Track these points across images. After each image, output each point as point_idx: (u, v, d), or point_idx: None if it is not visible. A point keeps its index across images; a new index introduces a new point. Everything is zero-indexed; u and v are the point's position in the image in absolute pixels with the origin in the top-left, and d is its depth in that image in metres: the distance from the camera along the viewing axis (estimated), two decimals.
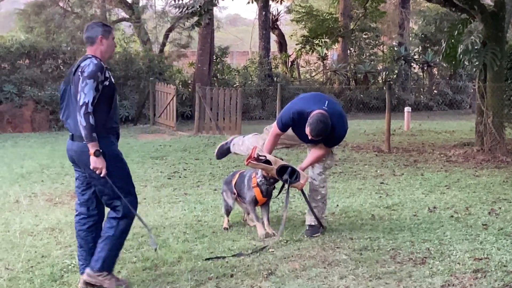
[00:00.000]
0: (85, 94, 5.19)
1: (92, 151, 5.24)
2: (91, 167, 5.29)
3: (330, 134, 6.77)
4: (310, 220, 7.22)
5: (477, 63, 13.16)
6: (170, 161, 13.28)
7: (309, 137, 6.73)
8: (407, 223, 7.55)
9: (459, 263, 5.98)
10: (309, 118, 6.67)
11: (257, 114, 25.54)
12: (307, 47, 29.49)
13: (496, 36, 13.30)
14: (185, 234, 7.22)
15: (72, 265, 6.17)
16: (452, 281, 5.52)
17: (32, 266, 6.19)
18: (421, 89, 31.25)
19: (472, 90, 29.86)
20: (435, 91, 31.07)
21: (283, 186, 7.23)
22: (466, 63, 13.35)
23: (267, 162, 6.90)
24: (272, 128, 7.21)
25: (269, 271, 5.85)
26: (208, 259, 6.24)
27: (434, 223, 7.57)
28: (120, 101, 22.01)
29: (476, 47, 13.08)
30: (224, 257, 6.28)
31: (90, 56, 5.45)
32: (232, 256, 6.33)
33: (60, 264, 6.19)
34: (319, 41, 29.15)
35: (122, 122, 21.93)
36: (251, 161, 6.90)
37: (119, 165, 5.49)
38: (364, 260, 6.11)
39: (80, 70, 5.33)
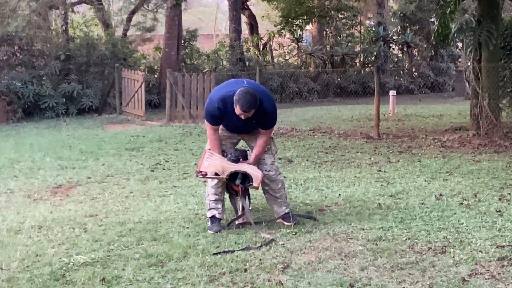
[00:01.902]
0: None
1: None
2: None
3: (261, 111, 7.03)
4: (283, 210, 7.45)
5: (471, 42, 13.35)
6: (148, 152, 13.31)
7: (243, 116, 6.94)
8: (417, 212, 7.69)
9: (481, 251, 6.13)
10: (234, 97, 6.90)
11: None
12: (287, 28, 29.58)
13: (491, 14, 13.49)
14: (185, 229, 7.27)
15: (72, 263, 6.19)
16: (479, 270, 5.66)
17: (28, 266, 6.19)
18: (401, 72, 31.54)
19: (454, 72, 30.25)
20: (415, 74, 31.38)
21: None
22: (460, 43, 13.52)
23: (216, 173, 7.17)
24: (207, 129, 7.39)
25: (285, 264, 5.94)
26: (217, 253, 6.31)
27: (445, 210, 7.72)
28: (83, 90, 21.95)
29: (471, 26, 13.28)
30: (233, 251, 6.36)
31: None
32: (241, 250, 6.42)
33: (58, 263, 6.20)
34: (299, 21, 29.26)
35: (86, 112, 21.89)
36: (198, 176, 7.29)
37: None
38: (381, 250, 6.24)
39: None
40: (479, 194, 8.59)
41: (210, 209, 7.38)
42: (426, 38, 31.01)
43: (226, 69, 27.09)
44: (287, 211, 7.45)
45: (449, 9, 13.78)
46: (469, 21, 13.33)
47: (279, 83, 26.59)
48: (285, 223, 7.32)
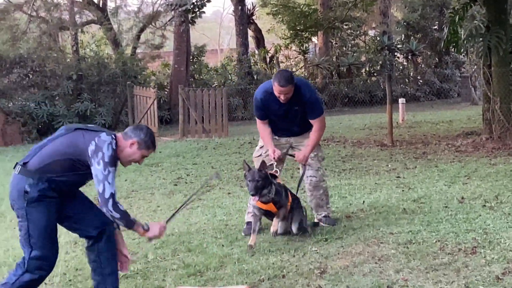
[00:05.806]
0: (109, 183, 5.10)
1: (141, 232, 5.39)
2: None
3: (300, 96, 7.19)
4: (322, 213, 7.81)
5: (481, 48, 13.50)
6: (167, 167, 13.41)
7: (282, 96, 7.07)
8: (443, 215, 7.81)
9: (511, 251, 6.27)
10: (272, 79, 7.15)
11: (239, 115, 25.58)
12: (296, 40, 29.79)
13: (500, 19, 13.63)
14: (217, 239, 7.41)
15: None
16: None
17: (70, 280, 6.34)
18: (407, 80, 31.67)
19: (459, 78, 30.38)
20: (421, 81, 31.49)
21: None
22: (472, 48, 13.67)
23: None
24: (258, 125, 7.64)
25: (321, 270, 6.07)
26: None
27: (470, 213, 7.84)
28: (95, 108, 22.11)
29: (480, 32, 13.43)
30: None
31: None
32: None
33: None
34: (307, 34, 29.47)
35: None
36: None
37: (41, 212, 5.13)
38: (413, 253, 6.36)
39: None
40: (500, 196, 8.70)
41: (248, 212, 7.59)
42: (430, 45, 31.19)
43: (234, 83, 27.21)
44: (324, 214, 7.77)
45: (458, 16, 13.95)
46: (478, 27, 13.47)
47: None
48: (328, 223, 7.67)
